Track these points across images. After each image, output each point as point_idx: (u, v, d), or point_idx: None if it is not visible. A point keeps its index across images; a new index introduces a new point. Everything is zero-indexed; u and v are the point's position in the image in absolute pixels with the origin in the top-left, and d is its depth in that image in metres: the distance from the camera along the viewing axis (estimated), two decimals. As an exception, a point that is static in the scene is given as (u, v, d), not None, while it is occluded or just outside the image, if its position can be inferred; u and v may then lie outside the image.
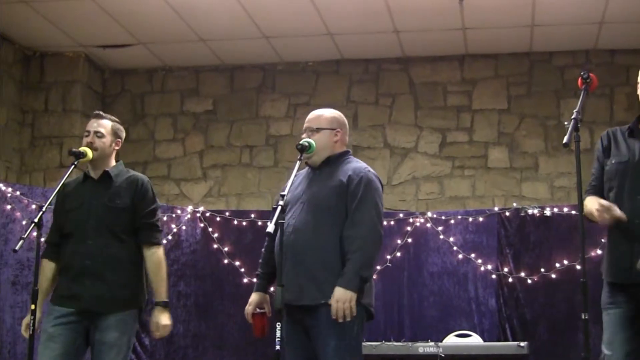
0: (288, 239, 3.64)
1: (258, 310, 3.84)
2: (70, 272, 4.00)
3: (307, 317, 3.64)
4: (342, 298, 3.50)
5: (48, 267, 4.07)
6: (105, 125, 4.16)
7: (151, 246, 4.07)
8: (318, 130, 3.87)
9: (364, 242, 3.60)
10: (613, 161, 3.51)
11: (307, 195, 3.77)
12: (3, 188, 5.88)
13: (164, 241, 5.66)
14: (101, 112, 4.26)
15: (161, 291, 4.04)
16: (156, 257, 4.07)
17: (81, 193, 4.10)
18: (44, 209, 3.81)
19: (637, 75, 3.63)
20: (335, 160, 3.85)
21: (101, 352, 3.91)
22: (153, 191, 4.17)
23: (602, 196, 3.53)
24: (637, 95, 3.63)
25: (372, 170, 3.84)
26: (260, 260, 3.96)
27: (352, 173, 3.74)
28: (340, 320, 3.51)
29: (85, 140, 4.12)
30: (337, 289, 3.52)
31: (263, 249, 3.95)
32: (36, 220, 3.76)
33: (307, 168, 3.94)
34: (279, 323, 3.35)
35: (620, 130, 3.63)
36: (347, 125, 3.99)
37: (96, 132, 4.12)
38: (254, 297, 3.89)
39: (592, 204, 3.40)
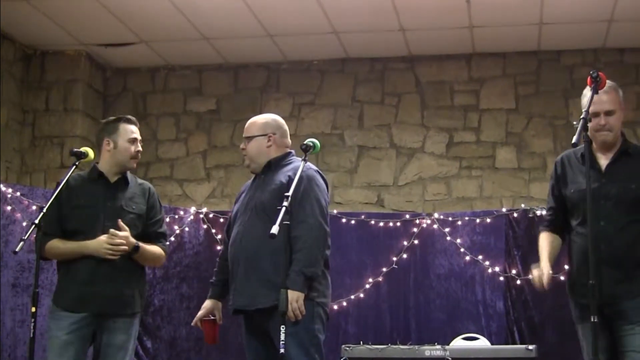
0: (239, 247, 3.75)
1: (211, 316, 3.92)
2: (80, 273, 3.94)
3: (264, 320, 3.68)
4: (289, 299, 3.49)
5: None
6: None
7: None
8: (250, 138, 3.96)
9: (307, 241, 3.65)
10: (572, 190, 3.60)
11: (253, 202, 3.83)
12: (3, 189, 5.82)
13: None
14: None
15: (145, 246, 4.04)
16: (160, 253, 4.15)
17: (93, 192, 4.06)
18: (44, 210, 3.79)
19: None
20: (276, 164, 3.91)
21: (108, 354, 3.92)
22: (159, 200, 4.28)
23: (560, 229, 3.74)
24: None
25: (314, 167, 3.89)
26: (215, 269, 4.03)
27: (292, 173, 3.75)
28: (293, 320, 3.54)
29: (133, 148, 4.13)
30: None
31: (218, 258, 4.04)
32: (37, 221, 3.74)
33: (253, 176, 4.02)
34: (283, 326, 3.36)
35: (575, 154, 3.68)
36: (284, 127, 4.04)
37: (141, 141, 4.20)
38: (206, 303, 3.96)
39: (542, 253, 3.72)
